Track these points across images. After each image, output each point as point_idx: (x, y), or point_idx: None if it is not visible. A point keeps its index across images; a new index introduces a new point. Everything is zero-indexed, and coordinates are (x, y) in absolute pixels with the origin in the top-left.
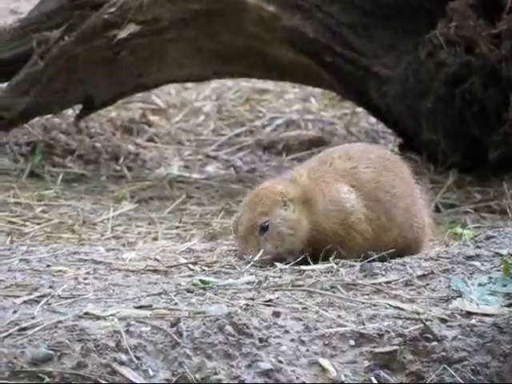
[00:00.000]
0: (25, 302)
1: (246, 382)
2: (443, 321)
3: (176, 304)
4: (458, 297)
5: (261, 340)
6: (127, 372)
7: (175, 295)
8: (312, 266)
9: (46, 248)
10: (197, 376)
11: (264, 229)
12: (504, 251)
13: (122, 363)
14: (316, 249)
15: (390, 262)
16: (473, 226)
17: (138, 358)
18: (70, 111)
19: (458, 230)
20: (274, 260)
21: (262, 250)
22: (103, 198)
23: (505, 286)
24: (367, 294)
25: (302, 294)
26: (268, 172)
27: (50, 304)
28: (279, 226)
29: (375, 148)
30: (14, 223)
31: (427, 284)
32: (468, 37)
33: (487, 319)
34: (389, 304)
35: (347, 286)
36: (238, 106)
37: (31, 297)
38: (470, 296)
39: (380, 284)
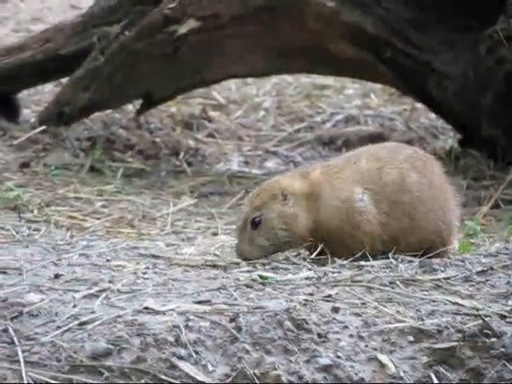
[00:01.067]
0: (84, 296)
1: (304, 377)
2: (502, 317)
3: (235, 299)
4: None
5: (320, 335)
6: (186, 367)
7: (234, 290)
8: (371, 262)
9: (106, 243)
10: (256, 371)
11: (256, 223)
12: None
13: (181, 358)
14: (319, 242)
15: (449, 258)
16: None
17: (197, 353)
18: (130, 106)
19: None
20: (269, 253)
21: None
22: (163, 193)
23: None
24: (426, 290)
25: (361, 290)
26: None
27: (109, 298)
28: (272, 220)
29: (407, 148)
30: (74, 218)
31: (486, 280)
32: None
33: None
34: (448, 300)
35: (406, 281)
36: (298, 101)
37: (91, 291)
38: None
39: (439, 280)
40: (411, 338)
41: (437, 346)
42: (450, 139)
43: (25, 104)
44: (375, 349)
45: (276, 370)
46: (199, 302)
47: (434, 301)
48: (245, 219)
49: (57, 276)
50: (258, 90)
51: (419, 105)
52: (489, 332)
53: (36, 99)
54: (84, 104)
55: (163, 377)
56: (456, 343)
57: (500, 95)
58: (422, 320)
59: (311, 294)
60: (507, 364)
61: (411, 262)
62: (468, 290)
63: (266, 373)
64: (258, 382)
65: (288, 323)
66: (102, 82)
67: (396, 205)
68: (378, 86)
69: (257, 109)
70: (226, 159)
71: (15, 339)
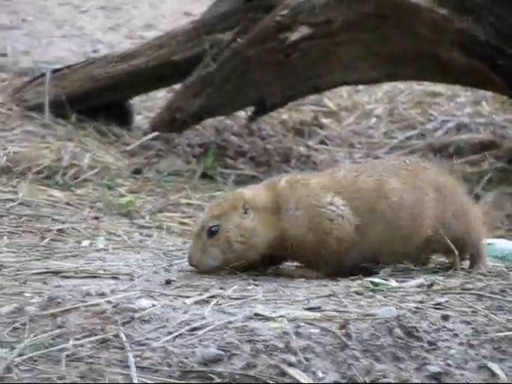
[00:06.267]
0: (195, 302)
1: None
2: None
3: (345, 306)
4: None
5: (430, 343)
6: (296, 373)
7: (344, 297)
8: (482, 270)
9: None
10: (365, 378)
11: (212, 233)
12: None
13: (291, 364)
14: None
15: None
16: None
17: (306, 360)
18: (242, 113)
19: None
20: (222, 265)
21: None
22: None
23: None
24: None
25: (471, 298)
26: None
27: (220, 305)
28: (229, 232)
29: (396, 160)
30: (185, 224)
31: None
32: None
33: None
34: None
35: None
36: (409, 108)
37: (202, 297)
38: None
39: None
40: None
41: None
42: None
43: (137, 110)
44: (485, 357)
45: (386, 377)
46: (309, 309)
47: None
48: (202, 226)
49: (168, 282)
50: (370, 97)
51: None
52: None
53: (148, 105)
54: (196, 110)
55: (273, 383)
56: None
57: None
58: None
59: (421, 302)
60: None
61: None
62: None
63: (376, 380)
64: None
65: (398, 330)
66: (214, 88)
67: (371, 212)
68: (490, 93)
69: (368, 116)
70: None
71: (126, 344)
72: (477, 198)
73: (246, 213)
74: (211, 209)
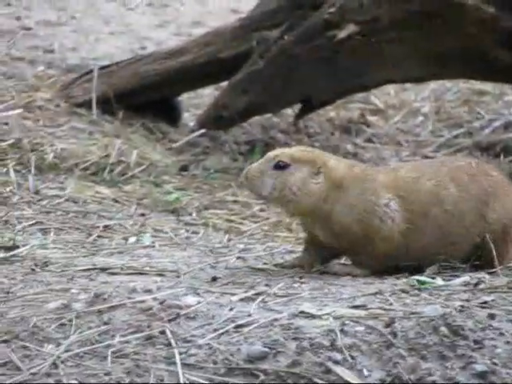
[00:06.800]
0: (241, 299)
1: (460, 383)
2: None
3: (391, 304)
4: None
5: (476, 342)
6: (342, 371)
7: (390, 295)
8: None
9: (263, 246)
10: (411, 377)
11: (278, 167)
12: None
13: (336, 362)
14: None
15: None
16: None
17: (352, 358)
18: (288, 110)
19: None
20: (263, 199)
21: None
22: None
23: None
24: None
25: None
26: None
27: (265, 302)
28: (291, 177)
29: (463, 161)
30: (231, 221)
31: None
32: None
33: None
34: None
35: None
36: (456, 107)
37: (247, 294)
38: None
39: None
40: None
41: None
42: None
43: (184, 107)
44: None
45: (431, 375)
46: (355, 307)
47: None
48: (275, 155)
49: (214, 279)
50: (417, 95)
51: None
52: None
53: (195, 103)
54: (243, 108)
55: (318, 381)
56: None
57: None
58: None
59: (467, 300)
60: None
61: None
62: None
63: (422, 378)
64: None
65: (444, 329)
66: (261, 86)
67: (424, 216)
68: None
69: (415, 114)
70: (384, 164)
71: (172, 341)
72: None
73: (316, 174)
74: (295, 149)
